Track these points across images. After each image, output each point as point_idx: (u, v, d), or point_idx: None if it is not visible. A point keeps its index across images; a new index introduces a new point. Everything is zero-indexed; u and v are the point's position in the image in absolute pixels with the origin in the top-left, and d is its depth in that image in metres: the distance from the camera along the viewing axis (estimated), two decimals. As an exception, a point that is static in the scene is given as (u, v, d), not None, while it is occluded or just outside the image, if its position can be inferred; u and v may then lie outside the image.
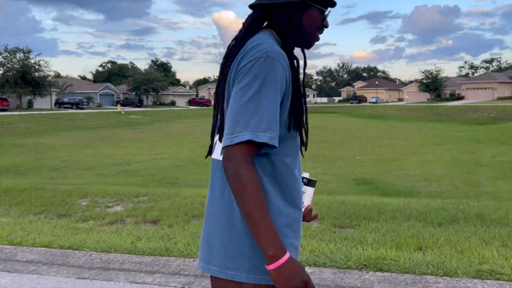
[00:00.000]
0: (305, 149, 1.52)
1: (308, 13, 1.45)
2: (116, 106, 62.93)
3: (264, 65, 1.31)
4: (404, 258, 3.67)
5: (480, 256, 3.72)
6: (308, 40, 1.50)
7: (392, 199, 6.61)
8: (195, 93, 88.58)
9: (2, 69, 49.70)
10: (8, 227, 4.83)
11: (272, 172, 1.38)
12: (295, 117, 1.40)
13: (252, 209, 1.26)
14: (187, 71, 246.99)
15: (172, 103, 77.06)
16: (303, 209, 1.56)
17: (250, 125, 1.27)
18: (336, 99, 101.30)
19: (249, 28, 1.44)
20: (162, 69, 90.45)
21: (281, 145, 1.37)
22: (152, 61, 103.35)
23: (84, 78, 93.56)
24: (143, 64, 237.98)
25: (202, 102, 73.92)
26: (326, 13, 1.49)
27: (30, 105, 51.61)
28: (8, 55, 50.09)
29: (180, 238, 4.34)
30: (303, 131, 1.47)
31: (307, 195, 1.62)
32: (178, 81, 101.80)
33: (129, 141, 24.23)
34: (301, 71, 1.52)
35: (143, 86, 71.33)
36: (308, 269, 3.56)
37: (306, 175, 1.62)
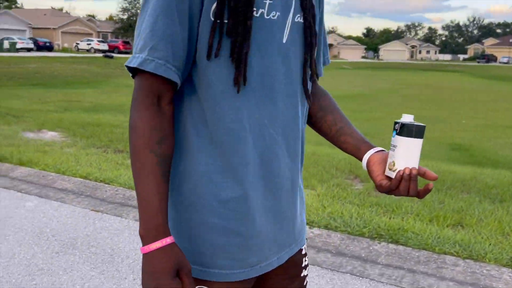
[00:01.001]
0: (242, 84, 0.94)
1: None
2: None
3: None
4: (430, 233, 3.21)
5: (528, 242, 3.12)
6: None
7: (465, 168, 5.87)
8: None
9: (126, 14, 53.34)
10: (64, 156, 5.19)
11: (205, 122, 0.97)
12: (229, 37, 0.92)
13: (133, 166, 0.92)
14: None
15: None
16: (394, 174, 1.00)
17: (136, 47, 0.93)
18: (461, 57, 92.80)
19: None
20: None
21: (203, 83, 0.95)
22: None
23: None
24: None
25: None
26: None
27: (150, 49, 55.03)
28: (132, 0, 53.49)
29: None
30: (242, 64, 0.94)
31: (400, 151, 0.99)
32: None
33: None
34: None
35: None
36: (316, 231, 3.30)
37: (407, 118, 1.00)
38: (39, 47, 43.65)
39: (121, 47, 47.42)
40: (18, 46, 39.40)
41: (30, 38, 44.86)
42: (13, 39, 40.75)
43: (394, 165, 0.99)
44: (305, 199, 3.93)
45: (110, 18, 79.25)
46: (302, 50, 1.06)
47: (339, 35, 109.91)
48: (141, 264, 1.05)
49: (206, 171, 0.98)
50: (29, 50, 40.94)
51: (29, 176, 4.48)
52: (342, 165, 5.26)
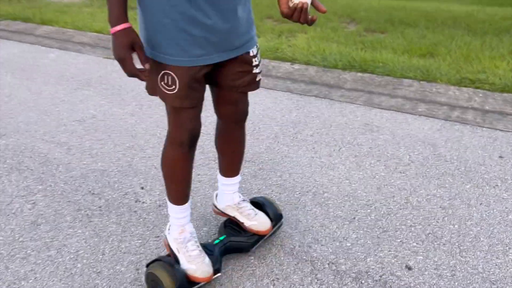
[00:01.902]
0: None
1: None
2: None
3: None
4: (398, 62, 3.58)
5: (486, 67, 3.45)
6: None
7: (469, 7, 5.90)
8: None
9: None
10: (81, 15, 5.61)
11: None
12: None
13: None
14: None
15: None
16: (291, 5, 1.32)
17: None
18: None
19: None
20: None
21: None
22: None
23: None
24: None
25: None
26: None
27: None
28: None
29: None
30: None
31: None
32: None
33: None
34: None
35: None
36: (296, 66, 3.73)
37: None
38: None
39: None
40: None
41: None
42: None
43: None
44: (294, 41, 4.26)
45: None
46: None
47: None
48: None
49: None
50: None
51: (51, 33, 4.99)
52: (342, 10, 5.45)
